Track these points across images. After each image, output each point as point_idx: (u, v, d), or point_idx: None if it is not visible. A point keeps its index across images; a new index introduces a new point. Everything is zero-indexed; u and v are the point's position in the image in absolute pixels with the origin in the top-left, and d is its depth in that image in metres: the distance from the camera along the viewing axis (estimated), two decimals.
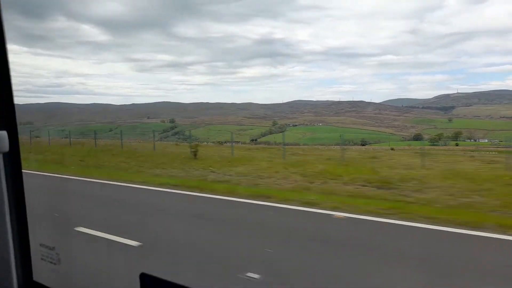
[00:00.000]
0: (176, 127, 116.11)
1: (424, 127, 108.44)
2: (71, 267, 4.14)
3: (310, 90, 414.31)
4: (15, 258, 1.46)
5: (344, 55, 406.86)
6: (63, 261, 2.36)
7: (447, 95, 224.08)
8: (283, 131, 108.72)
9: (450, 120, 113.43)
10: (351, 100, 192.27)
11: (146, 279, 1.14)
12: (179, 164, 14.59)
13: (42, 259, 2.22)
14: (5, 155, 1.41)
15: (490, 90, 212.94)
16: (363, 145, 75.66)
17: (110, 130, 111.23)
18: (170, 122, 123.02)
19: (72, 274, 4.10)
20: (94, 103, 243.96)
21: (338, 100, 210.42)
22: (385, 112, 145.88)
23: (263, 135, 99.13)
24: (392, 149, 33.15)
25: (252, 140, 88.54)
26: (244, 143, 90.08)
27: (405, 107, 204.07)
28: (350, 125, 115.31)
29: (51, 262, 2.23)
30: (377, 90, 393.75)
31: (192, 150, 16.86)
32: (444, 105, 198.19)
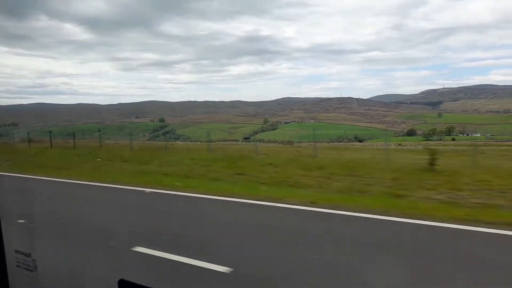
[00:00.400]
0: (166, 126, 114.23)
1: (415, 122, 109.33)
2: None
3: (297, 87, 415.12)
4: None
5: (331, 52, 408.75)
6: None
7: (434, 90, 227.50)
8: (275, 129, 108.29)
9: (439, 115, 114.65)
10: (340, 96, 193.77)
11: (124, 285, 1.11)
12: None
13: (17, 266, 2.13)
14: None
15: (474, 85, 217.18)
16: (360, 141, 75.59)
17: (99, 130, 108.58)
18: (159, 121, 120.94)
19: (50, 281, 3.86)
20: (80, 103, 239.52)
21: (327, 96, 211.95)
22: (374, 108, 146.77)
23: (256, 133, 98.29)
24: (399, 145, 32.56)
25: (245, 138, 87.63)
26: (236, 141, 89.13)
27: (393, 102, 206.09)
28: (341, 122, 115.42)
29: (27, 269, 2.13)
30: (364, 86, 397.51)
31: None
32: (432, 100, 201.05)
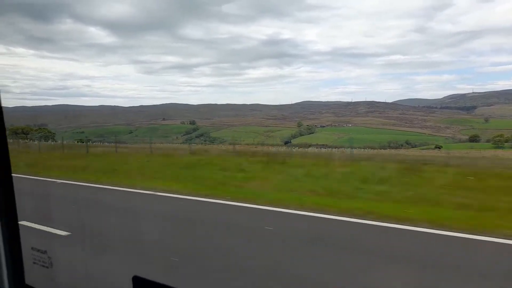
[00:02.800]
0: (198, 129, 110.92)
1: (460, 127, 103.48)
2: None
3: (315, 91, 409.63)
4: (7, 262, 1.45)
5: (351, 55, 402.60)
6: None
7: (463, 95, 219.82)
8: (312, 133, 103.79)
9: (486, 120, 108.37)
10: (364, 100, 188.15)
11: (138, 282, 1.11)
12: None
13: (34, 263, 2.22)
14: None
15: (503, 90, 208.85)
16: (412, 147, 70.54)
17: (131, 132, 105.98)
18: (190, 123, 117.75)
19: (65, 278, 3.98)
20: (102, 105, 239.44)
21: (346, 100, 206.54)
22: (409, 113, 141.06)
23: (293, 136, 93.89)
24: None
25: (286, 142, 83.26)
26: (277, 145, 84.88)
27: (423, 107, 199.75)
28: (379, 126, 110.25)
29: (43, 266, 2.22)
30: (384, 91, 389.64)
31: None
32: (463, 105, 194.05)
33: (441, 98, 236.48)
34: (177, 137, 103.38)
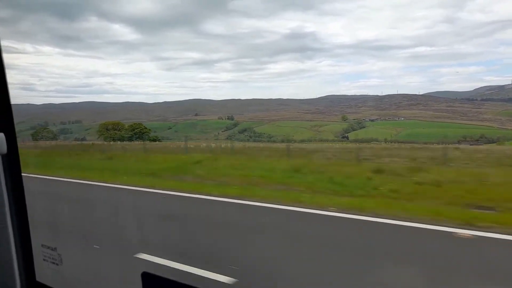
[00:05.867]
0: (237, 124, 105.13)
1: None
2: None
3: (335, 85, 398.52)
4: (18, 259, 1.47)
5: (375, 48, 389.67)
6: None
7: (501, 87, 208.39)
8: (363, 127, 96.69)
9: None
10: (396, 93, 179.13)
11: (147, 278, 1.11)
12: None
13: (44, 259, 2.22)
14: (3, 157, 1.40)
15: None
16: (491, 142, 63.11)
17: (169, 128, 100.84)
18: (228, 119, 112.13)
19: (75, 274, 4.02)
20: (127, 102, 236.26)
21: (365, 94, 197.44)
22: (455, 105, 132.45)
23: (346, 131, 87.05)
24: None
25: (343, 137, 76.72)
26: (332, 141, 78.17)
27: (461, 99, 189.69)
28: (433, 119, 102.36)
29: (53, 263, 2.22)
30: (407, 84, 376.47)
31: None
32: (505, 96, 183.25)
33: (471, 91, 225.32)
34: (218, 133, 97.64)
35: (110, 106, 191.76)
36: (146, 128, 34.22)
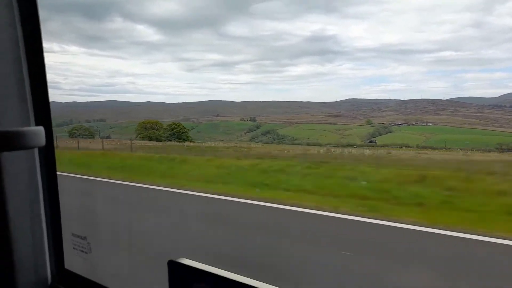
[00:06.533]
0: (260, 126, 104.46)
1: None
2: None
3: (355, 89, 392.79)
4: (49, 247, 1.57)
5: (398, 52, 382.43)
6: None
7: None
8: (390, 132, 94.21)
9: None
10: (419, 98, 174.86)
11: (174, 266, 1.11)
12: None
13: (74, 248, 2.32)
14: (40, 150, 1.49)
15: None
16: None
17: (193, 128, 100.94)
18: (251, 120, 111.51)
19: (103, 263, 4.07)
20: (148, 101, 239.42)
21: (386, 98, 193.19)
22: (486, 111, 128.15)
23: (372, 135, 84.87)
24: None
25: (371, 141, 74.85)
26: (361, 146, 76.30)
27: (489, 105, 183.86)
28: (462, 125, 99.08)
29: (82, 251, 2.33)
30: (429, 89, 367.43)
31: None
32: None
33: (498, 97, 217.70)
34: (241, 134, 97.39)
35: (132, 106, 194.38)
36: (184, 128, 33.57)
